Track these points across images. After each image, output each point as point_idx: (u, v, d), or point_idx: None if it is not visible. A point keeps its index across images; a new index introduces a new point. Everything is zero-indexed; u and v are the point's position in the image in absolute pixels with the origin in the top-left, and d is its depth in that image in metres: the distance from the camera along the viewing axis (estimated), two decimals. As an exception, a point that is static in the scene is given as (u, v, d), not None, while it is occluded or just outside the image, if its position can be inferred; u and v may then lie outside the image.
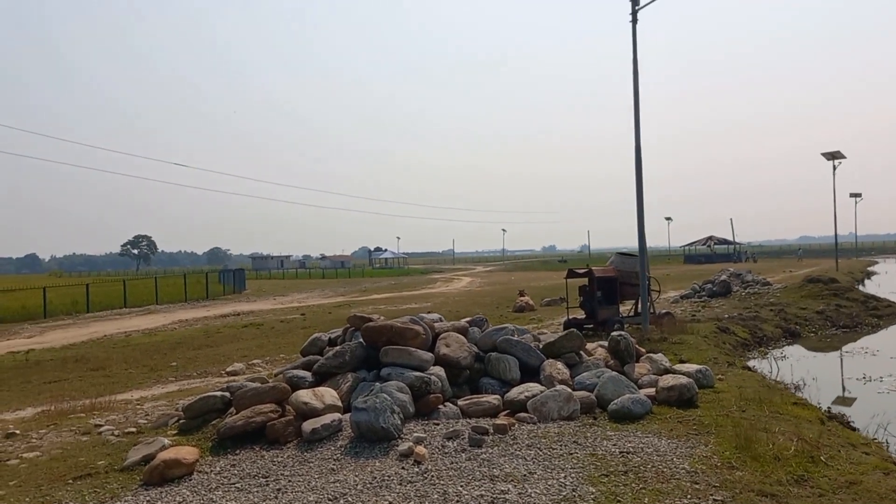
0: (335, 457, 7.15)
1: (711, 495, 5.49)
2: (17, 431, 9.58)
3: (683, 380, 8.90)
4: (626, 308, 19.98)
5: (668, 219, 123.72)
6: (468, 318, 10.77)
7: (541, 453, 6.82)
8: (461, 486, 5.98)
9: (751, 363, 15.47)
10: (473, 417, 8.36)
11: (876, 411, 10.92)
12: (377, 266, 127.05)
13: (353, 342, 9.49)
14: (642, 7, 16.41)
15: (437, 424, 7.96)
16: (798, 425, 7.89)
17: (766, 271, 46.04)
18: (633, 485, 5.83)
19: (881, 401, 12.34)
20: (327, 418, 7.83)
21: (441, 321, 10.53)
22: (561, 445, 7.06)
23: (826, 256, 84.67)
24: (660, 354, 10.65)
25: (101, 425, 9.58)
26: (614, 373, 9.14)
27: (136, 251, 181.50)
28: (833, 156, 49.04)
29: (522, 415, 8.18)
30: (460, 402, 8.66)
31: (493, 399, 8.68)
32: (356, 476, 6.49)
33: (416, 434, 7.49)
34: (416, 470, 6.52)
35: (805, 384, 12.72)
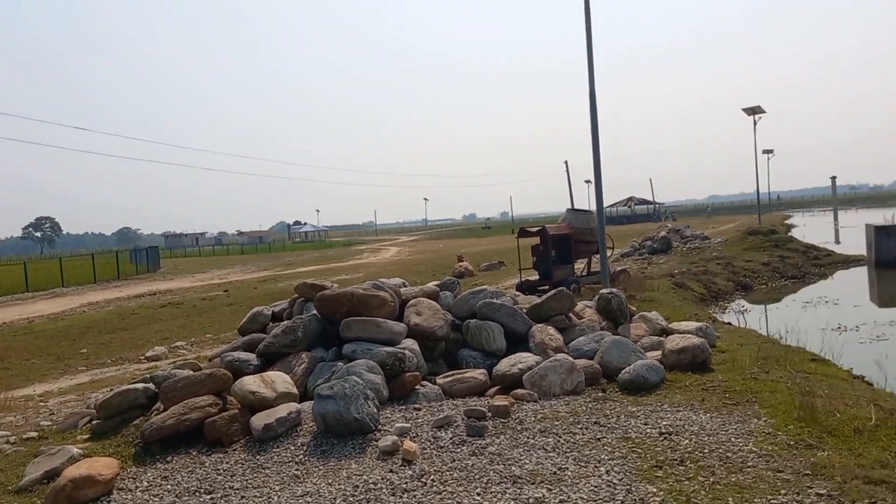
0: (298, 459, 5.62)
1: (810, 487, 4.24)
2: None
3: (695, 339, 7.70)
4: (577, 267, 18.91)
5: (588, 181, 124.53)
6: (436, 282, 9.30)
7: (561, 441, 5.45)
8: (477, 495, 4.55)
9: (718, 317, 14.62)
10: (458, 397, 6.94)
11: (872, 363, 10.10)
12: (297, 240, 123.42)
13: (305, 315, 7.88)
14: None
15: (419, 409, 6.50)
16: (837, 387, 6.83)
17: (696, 228, 46.19)
18: (701, 478, 4.51)
19: (869, 352, 11.59)
20: (282, 410, 6.26)
21: (406, 286, 9.03)
22: (581, 429, 5.71)
23: (737, 213, 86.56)
24: (654, 312, 9.45)
25: (-9, 430, 7.72)
26: (618, 336, 7.86)
27: (38, 234, 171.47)
28: (754, 111, 49.39)
29: (519, 391, 6.80)
30: (440, 380, 7.21)
31: (478, 374, 7.27)
32: (331, 485, 4.99)
33: (397, 424, 6.00)
34: (410, 473, 5.05)
35: (781, 337, 11.88)
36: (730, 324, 12.80)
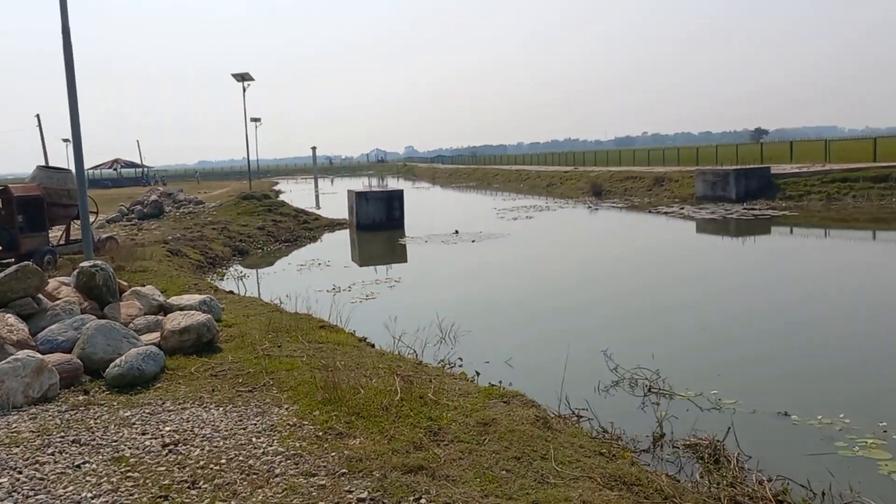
0: None
1: (350, 491, 3.58)
2: None
3: (199, 316, 6.63)
4: (53, 236, 16.11)
5: (66, 140, 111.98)
6: None
7: (21, 480, 3.88)
8: None
9: (219, 286, 13.79)
10: None
11: (371, 323, 10.42)
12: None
13: None
14: None
15: None
16: (357, 357, 6.52)
17: (188, 192, 44.76)
18: None
19: (364, 311, 12.02)
20: None
21: None
22: (54, 455, 4.19)
23: (227, 179, 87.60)
24: (149, 286, 8.04)
25: None
26: (103, 320, 6.29)
27: None
28: (243, 77, 49.71)
29: (-41, 410, 4.89)
30: None
31: None
32: None
33: None
34: None
35: (282, 301, 11.66)
36: (232, 292, 12.06)
